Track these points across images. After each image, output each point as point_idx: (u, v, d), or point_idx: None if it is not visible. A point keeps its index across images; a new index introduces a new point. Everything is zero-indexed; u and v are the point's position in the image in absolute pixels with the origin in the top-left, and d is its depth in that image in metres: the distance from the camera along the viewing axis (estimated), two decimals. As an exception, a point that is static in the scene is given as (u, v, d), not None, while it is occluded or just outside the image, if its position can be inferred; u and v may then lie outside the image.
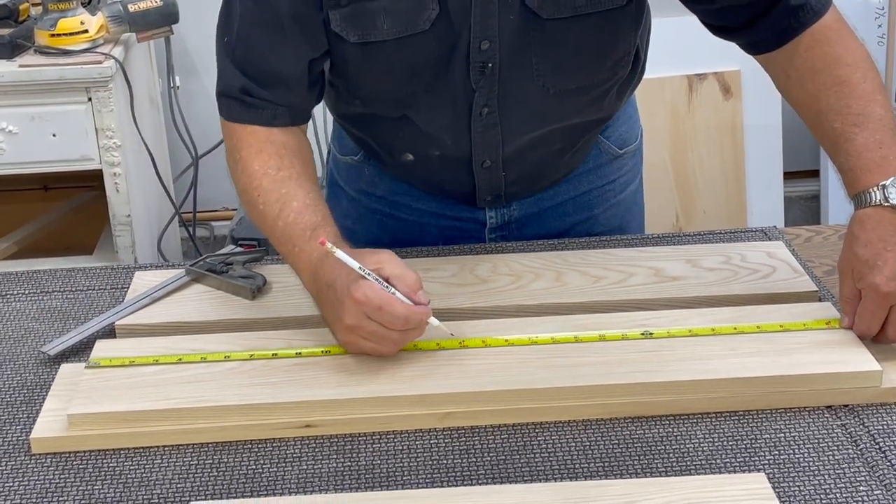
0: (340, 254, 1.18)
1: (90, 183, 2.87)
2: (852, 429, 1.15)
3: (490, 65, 1.32)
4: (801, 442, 1.13)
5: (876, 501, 1.04)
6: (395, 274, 1.18)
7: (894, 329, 1.21)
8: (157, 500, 1.07)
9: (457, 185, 1.51)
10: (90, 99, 2.44)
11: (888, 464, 1.09)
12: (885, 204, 1.21)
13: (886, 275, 1.18)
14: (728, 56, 3.15)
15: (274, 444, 1.14)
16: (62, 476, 1.11)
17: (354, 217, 1.61)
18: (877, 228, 1.21)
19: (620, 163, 1.59)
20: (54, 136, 2.46)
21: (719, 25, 1.38)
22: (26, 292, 1.45)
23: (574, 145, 1.50)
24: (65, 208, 2.92)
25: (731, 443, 1.13)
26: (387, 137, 1.47)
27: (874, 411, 1.17)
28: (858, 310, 1.22)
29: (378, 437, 1.15)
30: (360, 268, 1.17)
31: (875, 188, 1.22)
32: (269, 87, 1.33)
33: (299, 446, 1.14)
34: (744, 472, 1.09)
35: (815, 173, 3.35)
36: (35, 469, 1.12)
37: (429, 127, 1.40)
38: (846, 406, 1.18)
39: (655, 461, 1.11)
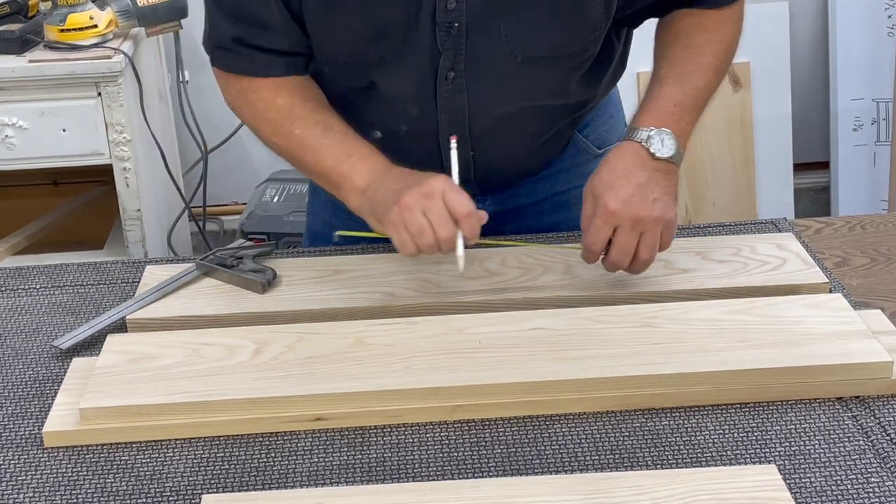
0: (454, 154, 1.31)
1: (100, 178, 2.87)
2: (863, 420, 1.15)
3: (456, 24, 1.32)
4: (812, 433, 1.13)
5: (887, 492, 1.04)
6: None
7: (617, 252, 1.27)
8: (168, 493, 1.08)
9: (426, 166, 1.50)
10: (100, 94, 2.44)
11: (899, 455, 1.09)
12: (644, 144, 1.30)
13: (618, 196, 1.26)
14: (738, 48, 3.15)
15: (285, 438, 1.15)
16: (75, 469, 1.11)
17: (331, 210, 1.61)
18: (628, 161, 1.30)
19: (599, 162, 1.58)
20: (64, 131, 2.47)
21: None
22: (37, 287, 1.46)
23: (545, 132, 1.49)
24: (75, 203, 2.93)
25: (741, 434, 1.13)
26: (355, 111, 1.47)
27: (885, 402, 1.17)
28: (591, 227, 1.28)
29: (388, 429, 1.16)
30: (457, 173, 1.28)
31: (645, 129, 1.31)
32: (259, 34, 1.35)
33: (310, 439, 1.14)
34: (754, 463, 1.09)
35: (825, 165, 3.34)
36: (48, 463, 1.13)
37: (395, 95, 1.40)
38: (857, 397, 1.18)
39: (666, 453, 1.11)
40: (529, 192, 1.57)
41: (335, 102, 1.47)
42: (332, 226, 1.61)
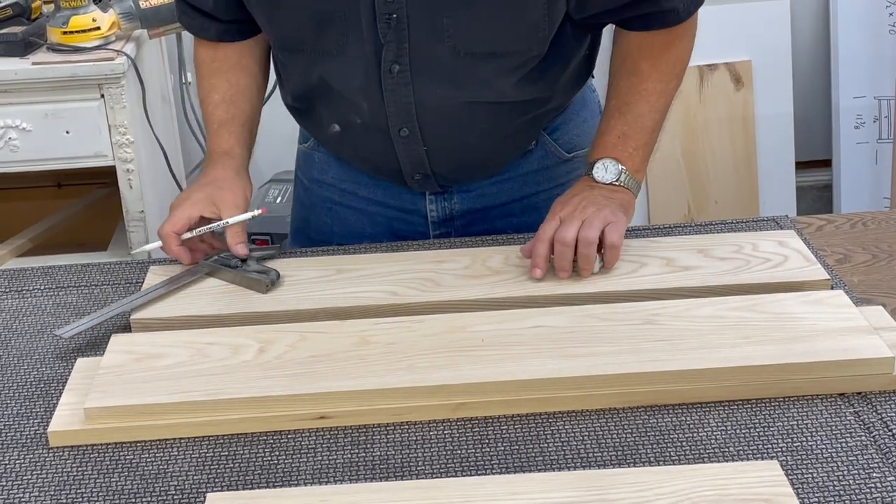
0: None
1: (103, 179, 2.88)
2: (865, 416, 1.15)
3: (395, 16, 1.34)
4: (814, 429, 1.13)
5: (889, 487, 1.05)
6: (234, 229, 1.44)
7: (562, 230, 1.36)
8: (173, 492, 1.08)
9: (383, 160, 1.52)
10: (103, 96, 2.45)
11: (901, 450, 1.10)
12: (590, 175, 1.44)
13: (566, 204, 1.40)
14: (739, 46, 3.15)
15: (289, 436, 1.15)
16: (80, 469, 1.12)
17: (308, 206, 1.65)
18: (575, 187, 1.45)
19: (570, 167, 1.59)
20: (67, 133, 2.47)
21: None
22: (42, 288, 1.47)
23: (501, 129, 1.49)
24: (78, 205, 2.93)
25: (744, 430, 1.13)
26: (315, 104, 1.51)
27: (887, 398, 1.18)
28: (541, 227, 1.39)
29: (392, 427, 1.16)
30: (232, 220, 1.44)
31: (591, 163, 1.45)
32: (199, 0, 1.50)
33: (314, 438, 1.15)
34: (757, 459, 1.09)
35: (826, 163, 3.34)
36: (53, 462, 1.13)
37: (344, 88, 1.43)
38: (859, 393, 1.19)
39: (669, 449, 1.11)
40: (497, 193, 1.58)
41: (298, 97, 1.53)
42: (308, 223, 1.64)
